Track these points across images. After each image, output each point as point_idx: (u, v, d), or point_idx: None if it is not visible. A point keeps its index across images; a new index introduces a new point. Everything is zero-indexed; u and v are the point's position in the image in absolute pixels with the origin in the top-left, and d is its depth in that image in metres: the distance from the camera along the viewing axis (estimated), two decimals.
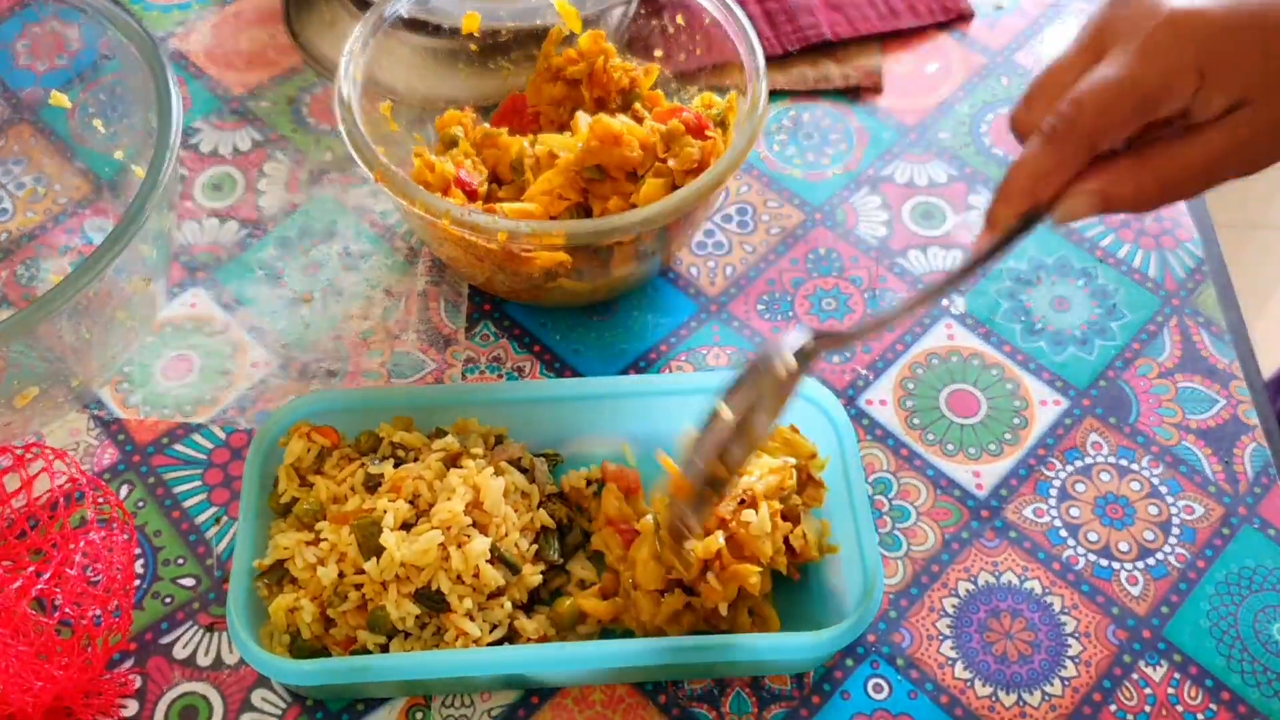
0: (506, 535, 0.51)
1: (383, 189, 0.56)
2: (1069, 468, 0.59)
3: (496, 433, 0.56)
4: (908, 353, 0.63)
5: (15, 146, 0.70)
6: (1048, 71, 0.45)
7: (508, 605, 0.50)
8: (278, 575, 0.51)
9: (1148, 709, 0.52)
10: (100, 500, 0.54)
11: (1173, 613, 0.54)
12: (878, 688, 0.52)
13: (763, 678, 0.52)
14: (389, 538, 0.49)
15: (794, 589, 0.54)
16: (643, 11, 0.69)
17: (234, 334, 0.63)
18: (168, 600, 0.54)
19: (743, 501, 0.51)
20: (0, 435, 0.57)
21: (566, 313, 0.64)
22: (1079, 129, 0.42)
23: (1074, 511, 0.57)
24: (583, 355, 0.63)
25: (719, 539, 0.50)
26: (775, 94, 0.75)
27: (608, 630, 0.52)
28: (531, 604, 0.52)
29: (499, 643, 0.50)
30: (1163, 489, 0.58)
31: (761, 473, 0.51)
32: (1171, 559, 0.56)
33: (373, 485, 0.52)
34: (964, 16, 0.79)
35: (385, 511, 0.50)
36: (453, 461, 0.53)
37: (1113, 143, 0.43)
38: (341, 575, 0.50)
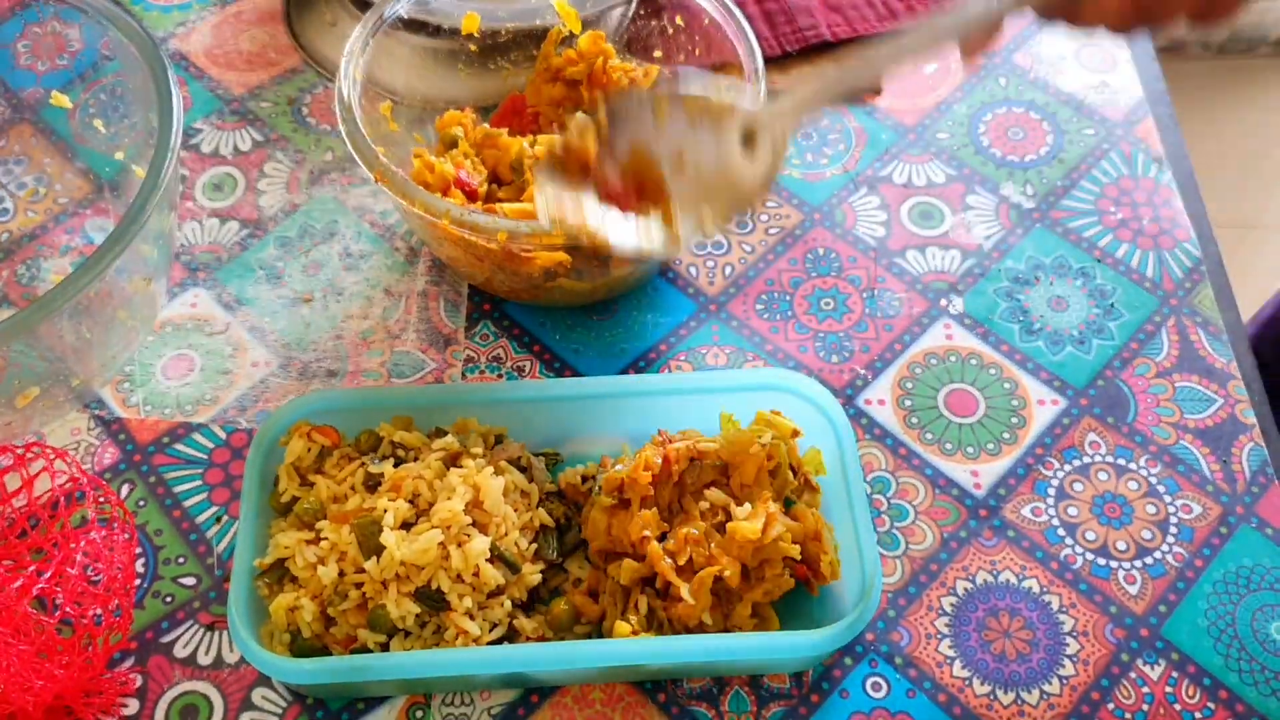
0: (506, 534, 0.51)
1: (383, 189, 0.56)
2: (1067, 467, 0.59)
3: (496, 432, 0.56)
4: (906, 352, 0.63)
5: (16, 146, 0.71)
6: None
7: (507, 604, 0.50)
8: (278, 574, 0.51)
9: (1145, 708, 0.52)
10: (101, 499, 0.54)
11: (1170, 611, 0.54)
12: (876, 686, 0.52)
13: (762, 676, 0.52)
14: (389, 537, 0.49)
15: (793, 588, 0.54)
16: (642, 12, 0.69)
17: (234, 334, 0.63)
18: (168, 599, 0.54)
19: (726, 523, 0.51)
20: (1, 435, 0.57)
21: (566, 312, 0.65)
22: None
23: (1072, 511, 0.57)
24: (582, 355, 0.63)
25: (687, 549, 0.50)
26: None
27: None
28: (531, 603, 0.53)
29: (499, 641, 0.50)
30: (1160, 488, 0.58)
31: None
32: (1169, 558, 0.56)
33: (373, 484, 0.52)
34: None
35: (385, 511, 0.50)
36: (452, 461, 0.53)
37: None
38: (342, 574, 0.50)
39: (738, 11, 0.63)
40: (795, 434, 0.54)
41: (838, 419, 0.55)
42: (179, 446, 0.59)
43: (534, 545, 0.52)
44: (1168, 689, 0.52)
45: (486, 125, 0.65)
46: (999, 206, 0.69)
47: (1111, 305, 0.65)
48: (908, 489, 0.58)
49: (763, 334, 0.64)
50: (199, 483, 0.58)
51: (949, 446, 0.60)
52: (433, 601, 0.49)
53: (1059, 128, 0.73)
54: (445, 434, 0.54)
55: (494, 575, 0.50)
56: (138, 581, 0.55)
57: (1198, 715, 0.51)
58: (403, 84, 0.66)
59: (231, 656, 0.53)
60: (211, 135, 0.72)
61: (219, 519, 0.57)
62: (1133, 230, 0.68)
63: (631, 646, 0.48)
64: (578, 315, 0.64)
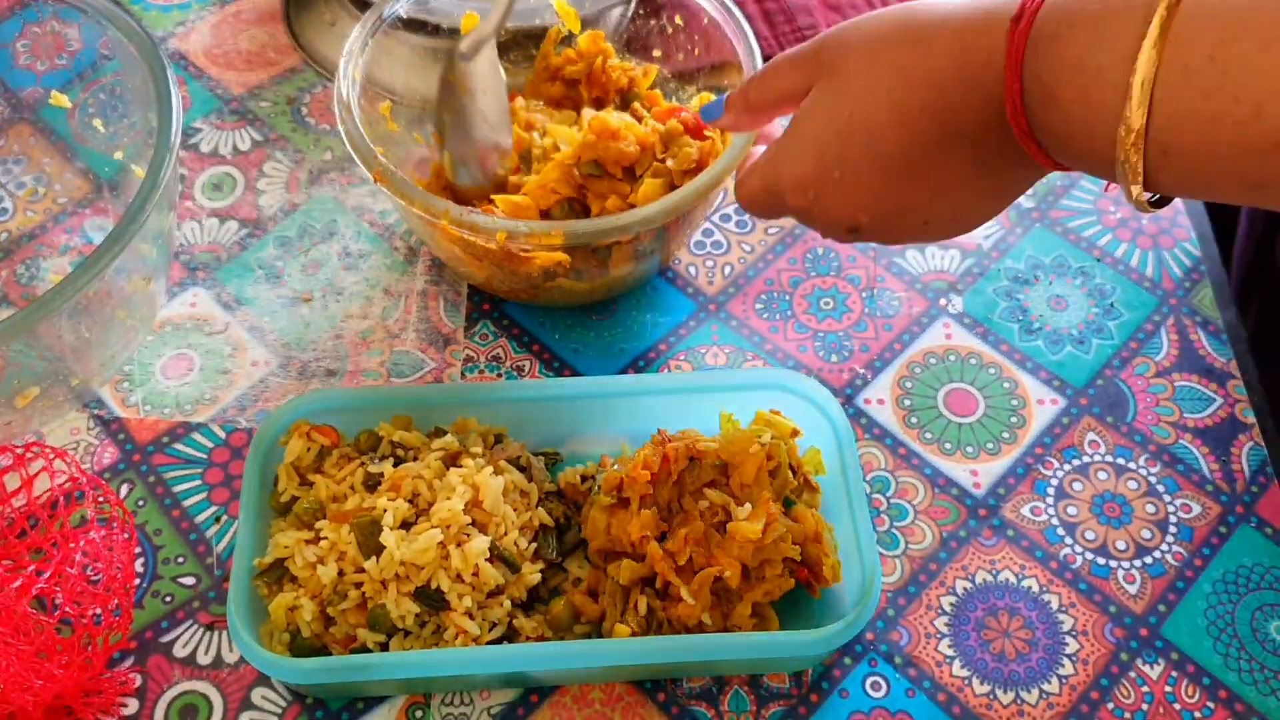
0: (506, 534, 0.51)
1: (382, 189, 0.56)
2: (1066, 466, 0.59)
3: (496, 432, 0.56)
4: (905, 352, 0.63)
5: (15, 146, 0.70)
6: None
7: (507, 604, 0.50)
8: (278, 574, 0.51)
9: (1145, 707, 0.52)
10: (100, 499, 0.54)
11: (1170, 611, 0.54)
12: (876, 686, 0.52)
13: (761, 676, 0.52)
14: (388, 536, 0.49)
15: (793, 588, 0.54)
16: (641, 12, 0.69)
17: (234, 333, 0.63)
18: (168, 599, 0.54)
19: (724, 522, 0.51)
20: (1, 434, 0.57)
21: (566, 312, 0.65)
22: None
23: (1071, 510, 0.58)
24: (582, 354, 0.63)
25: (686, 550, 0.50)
26: None
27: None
28: (531, 602, 0.53)
29: (498, 641, 0.50)
30: (1160, 488, 0.58)
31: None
32: (1169, 557, 0.56)
33: (372, 484, 0.52)
34: None
35: (385, 510, 0.50)
36: (452, 460, 0.53)
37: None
38: (341, 574, 0.50)
39: (737, 11, 0.63)
40: (795, 433, 0.54)
41: (837, 418, 0.55)
42: (178, 446, 0.59)
43: (533, 545, 0.52)
44: (1167, 688, 0.52)
45: None
46: None
47: (1111, 305, 0.65)
48: (907, 488, 0.58)
49: (762, 333, 0.64)
50: (198, 482, 0.58)
51: (948, 446, 0.60)
52: (432, 601, 0.49)
53: None
54: (445, 434, 0.54)
55: (493, 575, 0.50)
56: (137, 581, 0.55)
57: (1197, 714, 0.52)
58: (402, 84, 0.66)
59: (231, 656, 0.53)
60: (211, 135, 0.72)
61: (218, 518, 0.57)
62: (1132, 230, 0.68)
63: (631, 646, 0.48)
64: (577, 315, 0.64)
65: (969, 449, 0.60)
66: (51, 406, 0.58)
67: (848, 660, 0.53)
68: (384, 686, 0.51)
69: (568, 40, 0.66)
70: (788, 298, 0.65)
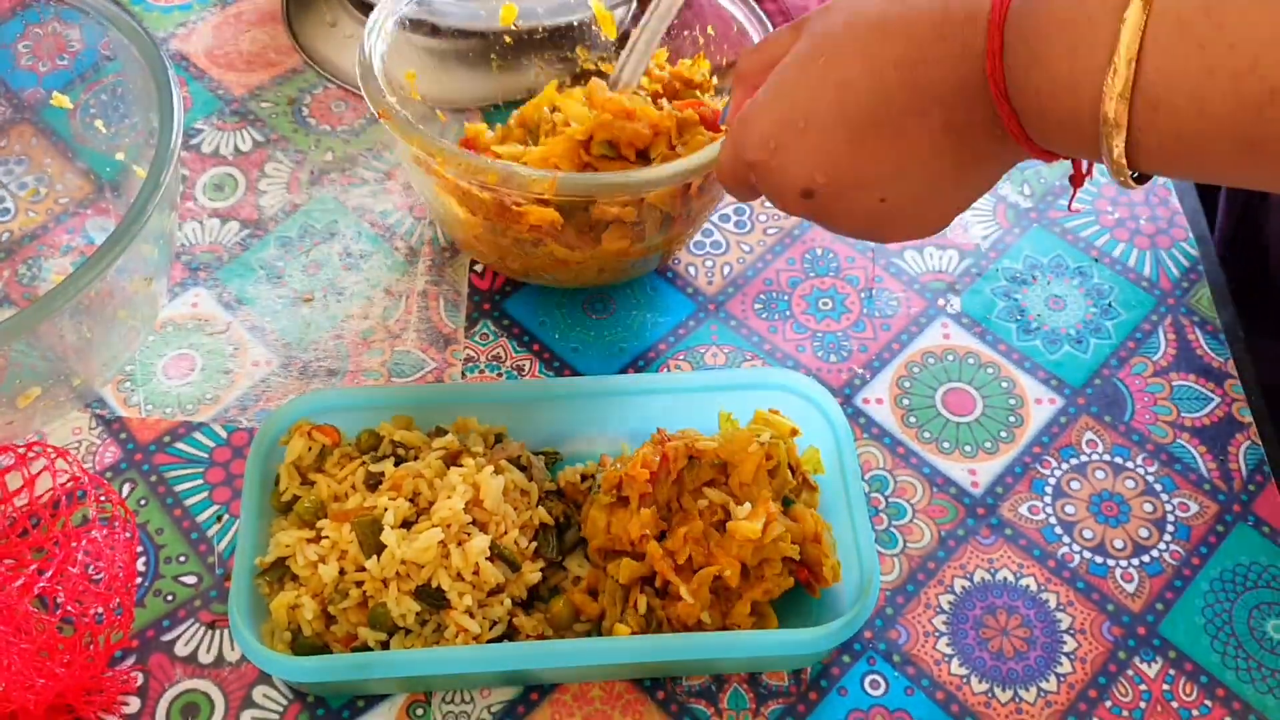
0: (506, 533, 0.51)
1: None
2: (1064, 465, 0.59)
3: (496, 431, 0.56)
4: (904, 352, 0.63)
5: (17, 147, 0.71)
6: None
7: (507, 602, 0.51)
8: (279, 573, 0.52)
9: (1143, 705, 0.52)
10: (102, 498, 0.54)
11: (1168, 609, 0.55)
12: (874, 684, 0.53)
13: (760, 674, 0.53)
14: (389, 535, 0.49)
15: (792, 587, 0.54)
16: (677, 20, 0.69)
17: (235, 333, 0.64)
18: (169, 598, 0.55)
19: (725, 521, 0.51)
20: (2, 434, 0.57)
21: (566, 311, 0.65)
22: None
23: (1069, 509, 0.58)
24: (581, 354, 0.63)
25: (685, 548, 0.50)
26: None
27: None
28: (531, 601, 0.53)
29: (499, 639, 0.50)
30: (1157, 486, 0.58)
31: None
32: (1166, 556, 0.56)
33: (373, 483, 0.53)
34: None
35: (386, 509, 0.50)
36: (453, 460, 0.53)
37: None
38: (342, 573, 0.50)
39: (761, 13, 0.63)
40: (794, 433, 0.55)
41: (836, 418, 0.55)
42: (180, 445, 0.59)
43: (534, 544, 0.53)
44: (1165, 686, 0.52)
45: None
46: (996, 206, 0.70)
47: (1109, 304, 0.65)
48: (906, 487, 0.58)
49: (761, 333, 0.64)
50: (200, 482, 0.58)
51: (947, 445, 0.60)
52: (433, 600, 0.49)
53: None
54: (445, 433, 0.55)
55: (494, 573, 0.50)
56: (139, 580, 0.55)
57: (1195, 713, 0.52)
58: (418, 81, 0.66)
59: (232, 655, 0.53)
60: (212, 135, 0.72)
61: (220, 518, 0.57)
62: (1130, 230, 0.68)
63: (631, 644, 0.49)
64: (577, 314, 0.65)
65: (967, 448, 0.60)
66: (53, 406, 0.58)
67: (846, 658, 0.53)
68: (385, 685, 0.51)
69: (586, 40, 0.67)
70: (787, 298, 0.66)
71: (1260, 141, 0.34)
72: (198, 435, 0.60)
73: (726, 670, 0.52)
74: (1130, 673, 0.53)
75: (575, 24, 0.68)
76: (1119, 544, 0.57)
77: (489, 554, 0.50)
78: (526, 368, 0.63)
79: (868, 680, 0.53)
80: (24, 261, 0.67)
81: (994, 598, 0.55)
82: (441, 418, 0.56)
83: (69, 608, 0.50)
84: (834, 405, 0.55)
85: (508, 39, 0.68)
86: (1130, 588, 0.55)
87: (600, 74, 0.69)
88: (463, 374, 0.62)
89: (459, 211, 0.59)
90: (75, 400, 0.60)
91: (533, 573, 0.52)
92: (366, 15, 0.74)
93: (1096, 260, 0.67)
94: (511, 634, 0.51)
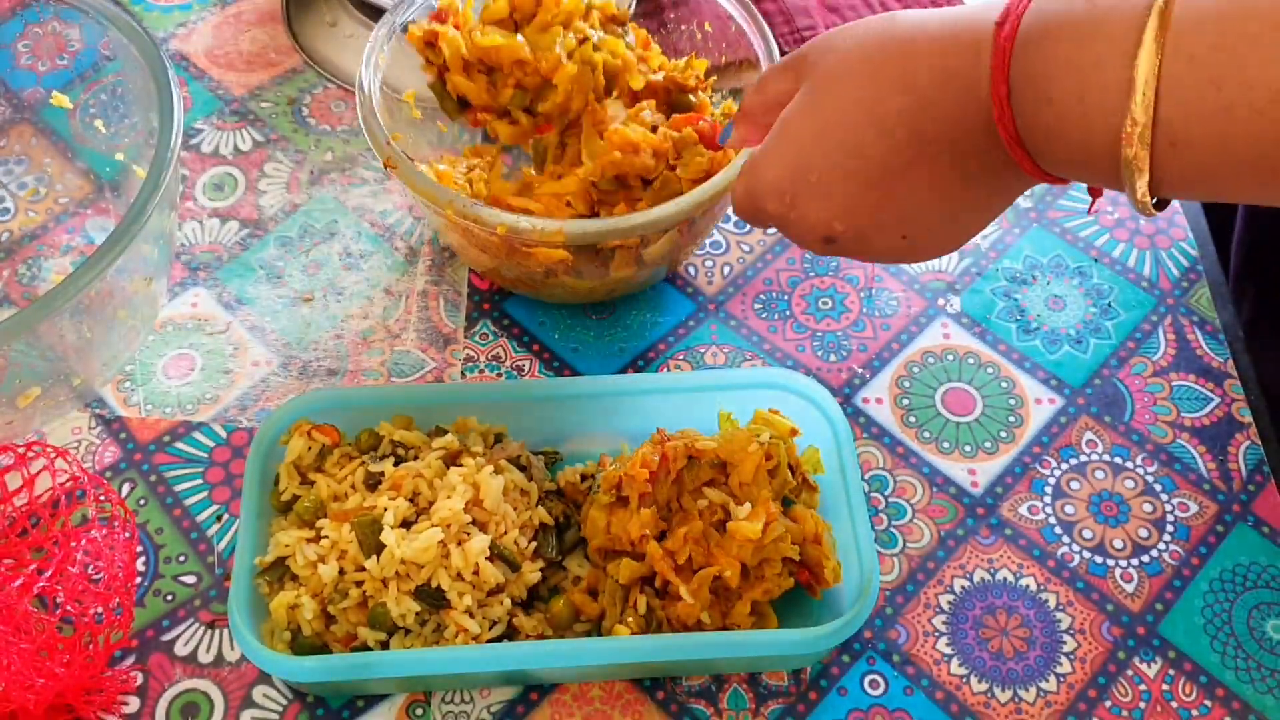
0: (506, 533, 0.51)
1: (392, 175, 0.56)
2: (1064, 465, 0.59)
3: (496, 431, 0.56)
4: (904, 351, 0.63)
5: (17, 146, 0.71)
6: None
7: (507, 602, 0.51)
8: (279, 572, 0.52)
9: (1142, 705, 0.52)
10: (102, 498, 0.54)
11: (1167, 609, 0.55)
12: (874, 684, 0.53)
13: (760, 674, 0.53)
14: (389, 535, 0.49)
15: (792, 587, 0.54)
16: (673, 16, 0.69)
17: (235, 333, 0.64)
18: (169, 598, 0.55)
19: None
20: (2, 434, 0.57)
21: (566, 311, 0.65)
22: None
23: (1069, 509, 0.58)
24: (581, 354, 0.63)
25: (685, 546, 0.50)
26: None
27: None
28: (531, 601, 0.53)
29: (499, 639, 0.50)
30: (1157, 486, 0.58)
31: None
32: (1166, 556, 0.56)
33: (373, 483, 0.53)
34: None
35: (385, 509, 0.50)
36: (452, 460, 0.53)
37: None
38: (342, 572, 0.50)
39: (756, 12, 0.63)
40: (793, 433, 0.55)
41: (836, 418, 0.55)
42: (180, 445, 0.59)
43: (533, 544, 0.53)
44: (1164, 686, 0.52)
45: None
46: None
47: (1108, 304, 0.65)
48: (905, 487, 0.58)
49: (761, 333, 0.64)
50: (200, 481, 0.58)
51: (946, 445, 0.60)
52: (433, 599, 0.49)
53: None
54: (445, 433, 0.55)
55: (494, 573, 0.50)
56: (138, 580, 0.55)
57: (1194, 713, 0.52)
58: (415, 86, 0.66)
59: (232, 654, 0.53)
60: (212, 135, 0.72)
61: (219, 517, 0.57)
62: (1129, 230, 0.69)
63: (630, 644, 0.49)
64: (577, 314, 0.65)
65: (967, 448, 0.60)
66: (53, 406, 0.58)
67: (846, 658, 0.53)
68: (384, 685, 0.51)
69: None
70: (786, 297, 0.66)
71: None
72: (197, 435, 0.60)
73: (726, 670, 0.52)
74: (1130, 673, 0.53)
75: None
76: (1119, 544, 0.57)
77: (489, 554, 0.50)
78: (526, 368, 0.63)
79: (867, 680, 0.53)
80: (24, 261, 0.67)
81: (993, 598, 0.55)
82: (441, 417, 0.56)
83: (69, 607, 0.50)
84: (834, 405, 0.55)
85: None
86: (1130, 588, 0.55)
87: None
88: (462, 374, 0.62)
89: (469, 247, 0.59)
90: (75, 400, 0.60)
91: (532, 573, 0.52)
92: (367, 15, 0.75)
93: (1096, 260, 0.67)
94: (511, 634, 0.51)
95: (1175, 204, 0.70)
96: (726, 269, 0.67)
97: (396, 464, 0.53)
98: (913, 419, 0.61)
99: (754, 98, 0.50)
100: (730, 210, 0.52)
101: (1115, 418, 0.61)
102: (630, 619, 0.50)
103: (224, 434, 0.60)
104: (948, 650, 0.53)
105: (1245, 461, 0.59)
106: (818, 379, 0.62)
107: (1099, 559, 0.56)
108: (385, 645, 0.50)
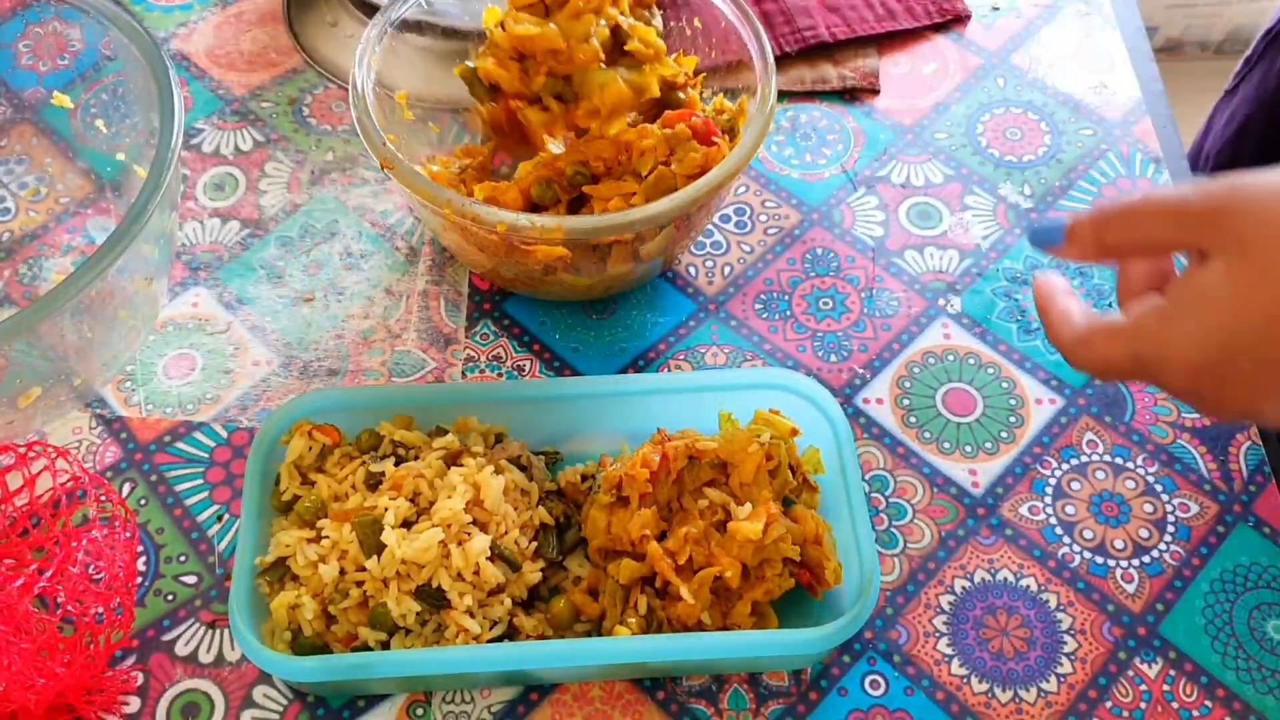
0: (506, 533, 0.51)
1: (389, 175, 0.56)
2: (1064, 466, 0.59)
3: (496, 431, 0.56)
4: (904, 352, 0.63)
5: (17, 146, 0.71)
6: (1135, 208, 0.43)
7: (507, 602, 0.51)
8: (279, 573, 0.52)
9: (1143, 705, 0.52)
10: (102, 498, 0.54)
11: (1168, 610, 0.55)
12: (874, 684, 0.53)
13: (760, 674, 0.53)
14: (390, 535, 0.49)
15: (793, 587, 0.54)
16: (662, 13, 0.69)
17: (236, 333, 0.64)
18: (170, 597, 0.55)
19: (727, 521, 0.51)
20: (3, 434, 0.57)
21: (566, 312, 0.65)
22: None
23: (1069, 509, 0.58)
24: (582, 354, 0.63)
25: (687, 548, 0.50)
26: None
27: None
28: (531, 601, 0.53)
29: (499, 639, 0.50)
30: (1158, 487, 0.58)
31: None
32: (1166, 556, 0.56)
33: (374, 483, 0.53)
34: (960, 18, 0.79)
35: (386, 509, 0.50)
36: (453, 460, 0.53)
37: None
38: (343, 572, 0.50)
39: (751, 12, 0.63)
40: (794, 433, 0.55)
41: (836, 418, 0.55)
42: (180, 445, 0.59)
43: (534, 544, 0.53)
44: (1165, 687, 0.52)
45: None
46: (997, 206, 0.70)
47: (1109, 304, 0.65)
48: (906, 488, 0.58)
49: (761, 333, 0.64)
50: (200, 481, 0.58)
51: (947, 445, 0.60)
52: (433, 599, 0.49)
53: (1057, 128, 0.73)
54: (446, 433, 0.55)
55: (494, 573, 0.50)
56: (139, 580, 0.55)
57: (1195, 713, 0.52)
58: (409, 85, 0.66)
59: (233, 654, 0.53)
60: (212, 135, 0.72)
61: (220, 517, 0.57)
62: None
63: (631, 644, 0.49)
64: (577, 314, 0.65)
65: (967, 448, 0.60)
66: (54, 406, 0.58)
67: (846, 659, 0.53)
68: (385, 685, 0.51)
69: None
70: (787, 298, 0.66)
71: None
72: (198, 435, 0.60)
73: (727, 670, 0.52)
74: (1130, 673, 0.53)
75: None
76: (1119, 544, 0.57)
77: (489, 554, 0.50)
78: (527, 368, 0.63)
79: (868, 680, 0.53)
80: (25, 261, 0.67)
81: (994, 598, 0.55)
82: (442, 417, 0.56)
83: (69, 607, 0.50)
84: (834, 405, 0.55)
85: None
86: (1130, 588, 0.55)
87: None
88: (463, 374, 0.62)
89: (468, 247, 0.59)
90: (76, 400, 0.60)
91: (533, 573, 0.52)
92: (367, 15, 0.75)
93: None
94: (512, 634, 0.51)
95: None
96: (727, 269, 0.67)
97: (397, 464, 0.53)
98: (913, 419, 0.61)
99: (1123, 232, 0.43)
100: (1046, 341, 0.46)
101: (1116, 418, 0.61)
102: (631, 619, 0.50)
103: (225, 434, 0.60)
104: (948, 651, 0.53)
105: (1246, 462, 0.59)
106: (818, 379, 0.62)
107: (1100, 559, 0.56)
108: (386, 645, 0.50)
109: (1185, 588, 0.55)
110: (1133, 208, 0.42)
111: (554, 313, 0.65)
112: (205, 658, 0.53)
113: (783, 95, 0.75)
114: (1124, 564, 0.56)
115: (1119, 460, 0.59)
